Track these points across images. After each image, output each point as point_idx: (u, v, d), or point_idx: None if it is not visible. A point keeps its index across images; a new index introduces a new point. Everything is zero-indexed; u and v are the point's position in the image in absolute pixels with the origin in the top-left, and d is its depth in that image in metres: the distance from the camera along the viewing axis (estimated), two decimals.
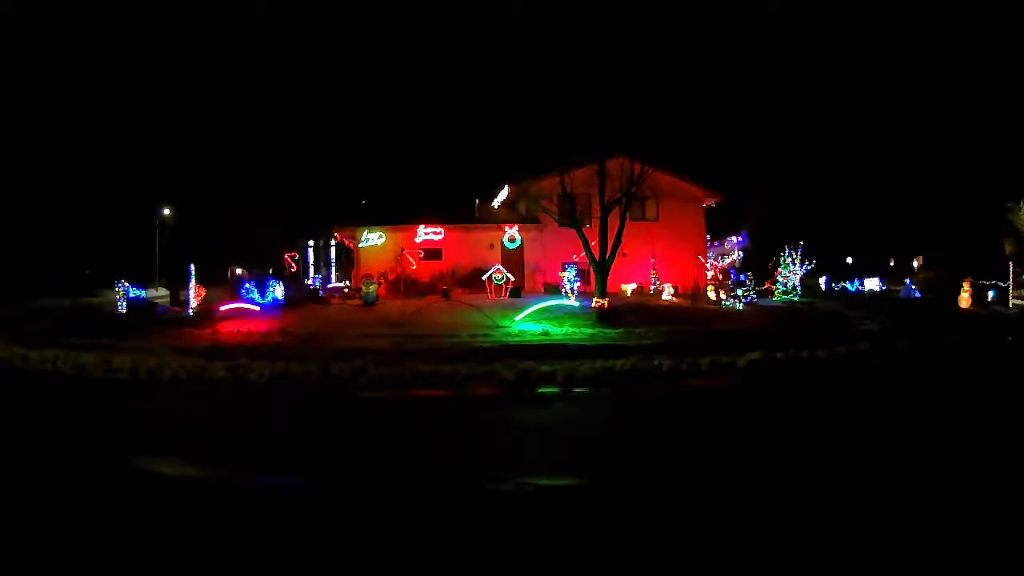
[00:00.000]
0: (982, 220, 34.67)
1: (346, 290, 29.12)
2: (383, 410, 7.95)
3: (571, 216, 20.60)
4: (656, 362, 9.89)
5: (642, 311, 19.97)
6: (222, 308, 21.84)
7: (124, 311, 20.99)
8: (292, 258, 25.77)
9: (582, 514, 4.38)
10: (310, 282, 29.40)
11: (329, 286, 27.44)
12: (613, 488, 4.97)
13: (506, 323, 17.32)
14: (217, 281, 27.67)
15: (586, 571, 3.67)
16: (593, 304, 18.16)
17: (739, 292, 22.75)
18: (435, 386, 8.78)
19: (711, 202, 28.12)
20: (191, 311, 21.02)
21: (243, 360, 9.77)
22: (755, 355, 10.46)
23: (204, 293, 22.44)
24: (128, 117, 53.98)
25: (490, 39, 28.28)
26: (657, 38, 20.98)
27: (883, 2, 49.00)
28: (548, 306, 19.23)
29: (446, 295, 22.72)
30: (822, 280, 36.48)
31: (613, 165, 20.35)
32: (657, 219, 27.37)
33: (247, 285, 24.76)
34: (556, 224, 22.93)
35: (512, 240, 26.81)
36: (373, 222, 26.77)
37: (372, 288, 22.60)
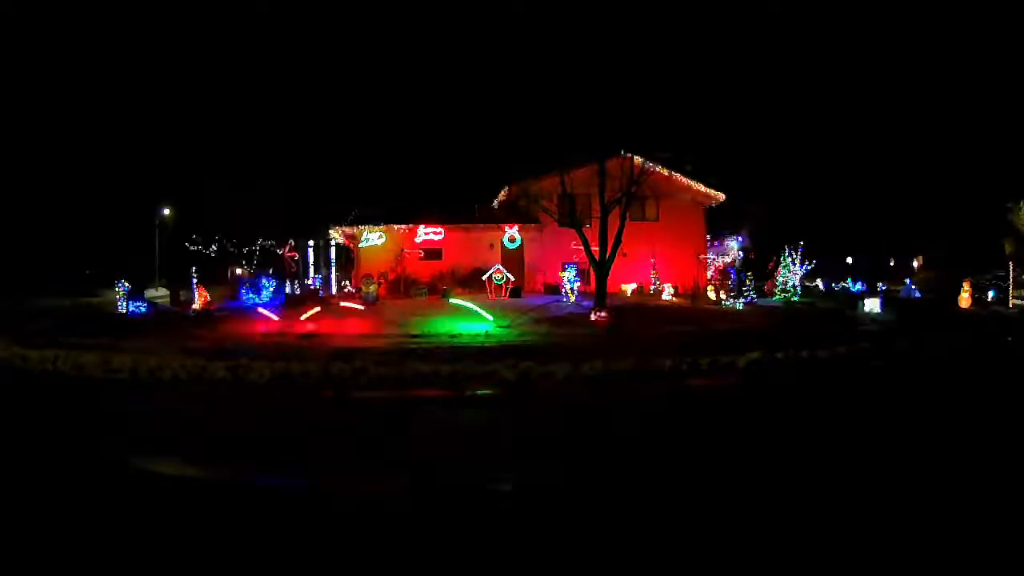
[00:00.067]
0: (982, 220, 34.64)
1: (346, 290, 29.12)
2: (382, 410, 7.95)
3: (571, 216, 20.60)
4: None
5: (642, 311, 19.97)
6: (222, 308, 21.87)
7: (124, 311, 20.98)
8: (292, 258, 25.72)
9: (580, 513, 4.38)
10: (310, 282, 29.37)
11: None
12: (609, 488, 4.96)
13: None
14: (217, 281, 27.66)
15: (584, 567, 3.67)
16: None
17: (739, 292, 22.75)
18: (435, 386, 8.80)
19: (711, 202, 28.11)
20: (192, 311, 21.03)
21: (243, 360, 9.77)
22: (755, 355, 10.47)
23: (205, 293, 22.47)
24: (128, 117, 53.99)
25: (490, 39, 28.26)
26: (657, 38, 21.00)
27: (883, 2, 48.99)
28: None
29: (446, 295, 22.72)
30: (819, 280, 36.47)
31: (613, 165, 20.36)
32: (657, 219, 27.35)
33: (247, 285, 24.80)
34: (556, 224, 22.93)
35: (512, 240, 26.80)
36: (373, 222, 26.75)
37: (372, 288, 22.60)
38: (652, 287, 25.95)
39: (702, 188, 27.34)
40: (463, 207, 26.82)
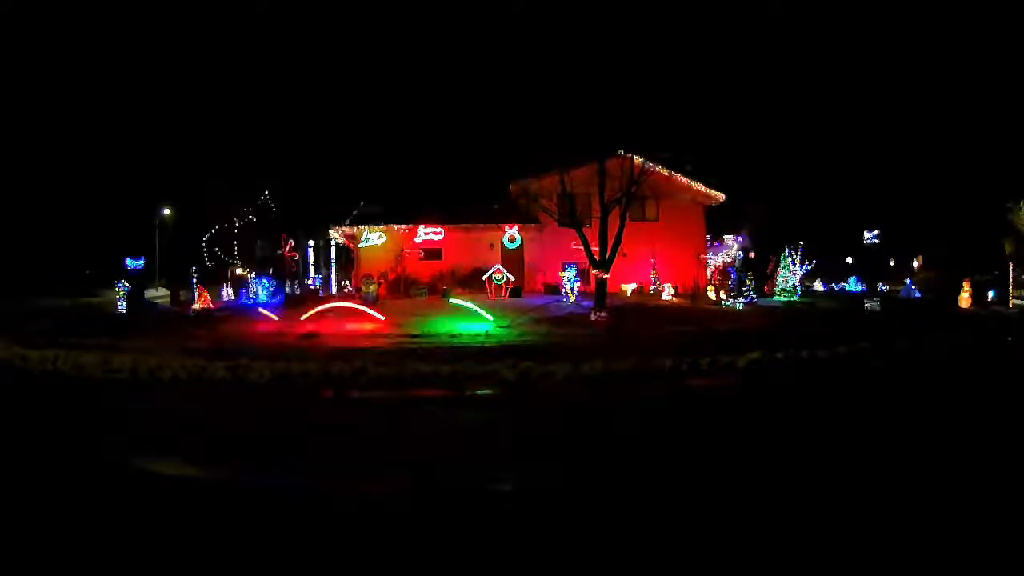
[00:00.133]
0: (982, 220, 34.65)
1: (346, 290, 29.12)
2: (382, 409, 7.95)
3: (571, 216, 20.60)
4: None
5: (642, 311, 19.97)
6: (222, 308, 21.88)
7: (124, 310, 20.99)
8: (292, 258, 25.72)
9: (580, 513, 4.38)
10: (310, 282, 29.38)
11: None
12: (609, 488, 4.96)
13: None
14: (217, 281, 27.65)
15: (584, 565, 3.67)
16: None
17: (739, 292, 22.75)
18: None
19: (711, 202, 28.12)
20: (192, 311, 21.03)
21: (243, 360, 9.77)
22: (755, 355, 10.47)
23: (205, 293, 22.48)
24: (128, 117, 53.97)
25: (491, 39, 28.26)
26: (657, 38, 20.99)
27: (883, 2, 48.99)
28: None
29: (446, 295, 22.72)
30: (819, 280, 36.51)
31: (613, 165, 20.36)
32: (657, 219, 27.35)
33: (247, 285, 24.81)
34: (556, 224, 22.93)
35: (512, 240, 26.80)
36: (373, 222, 26.75)
37: (372, 288, 22.61)
38: (652, 287, 25.95)
39: (702, 188, 27.35)
40: (463, 207, 26.80)
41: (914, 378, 10.26)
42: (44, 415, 7.56)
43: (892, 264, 49.85)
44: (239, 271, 27.57)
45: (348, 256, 31.25)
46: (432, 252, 26.70)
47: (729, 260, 27.96)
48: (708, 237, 27.88)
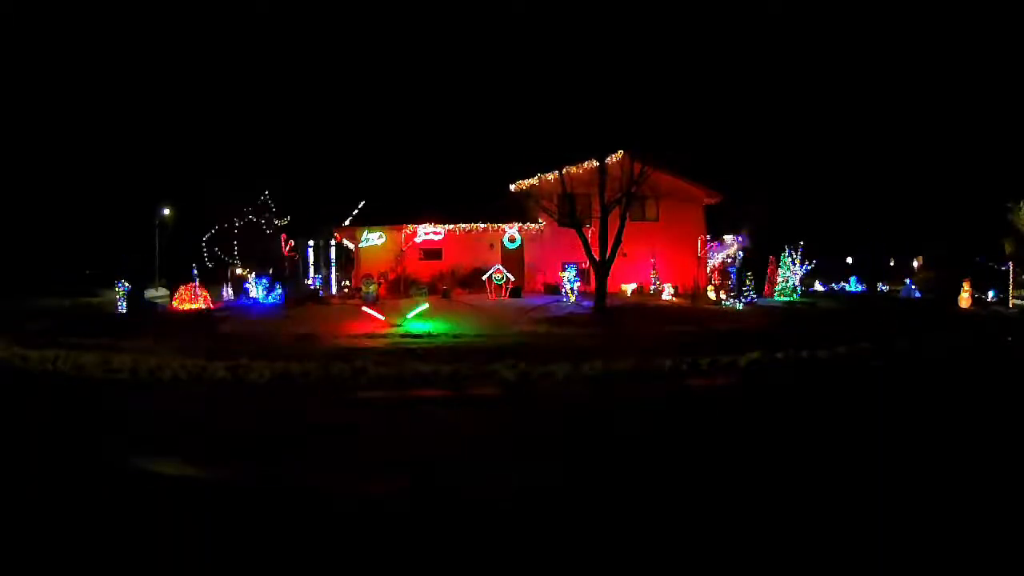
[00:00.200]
0: (982, 220, 34.66)
1: (346, 290, 29.11)
2: (382, 409, 7.95)
3: (571, 216, 20.61)
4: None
5: (642, 311, 19.97)
6: (222, 308, 21.88)
7: (124, 311, 20.99)
8: (292, 258, 25.72)
9: (580, 513, 4.39)
10: (310, 282, 29.38)
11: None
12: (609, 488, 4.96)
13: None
14: (217, 281, 27.65)
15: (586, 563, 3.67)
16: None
17: (739, 292, 22.76)
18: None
19: (711, 202, 28.12)
20: (191, 311, 21.04)
21: (243, 360, 9.77)
22: (755, 355, 10.47)
23: (205, 293, 22.48)
24: (128, 116, 54.01)
25: (491, 39, 28.24)
26: (658, 38, 20.99)
27: (883, 2, 48.98)
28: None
29: (446, 295, 22.73)
30: (819, 281, 36.51)
31: (613, 165, 20.38)
32: (657, 219, 27.36)
33: (247, 285, 24.80)
34: (556, 224, 22.94)
35: (512, 240, 26.80)
36: (373, 222, 26.74)
37: (372, 288, 22.60)
38: (652, 287, 25.96)
39: (702, 188, 27.36)
40: (463, 207, 26.80)
41: (914, 378, 10.25)
42: (44, 415, 7.56)
43: (892, 264, 49.88)
44: (239, 271, 27.57)
45: (348, 256, 31.25)
46: (432, 252, 26.69)
47: (729, 260, 27.94)
48: (708, 237, 27.88)
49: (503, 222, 26.77)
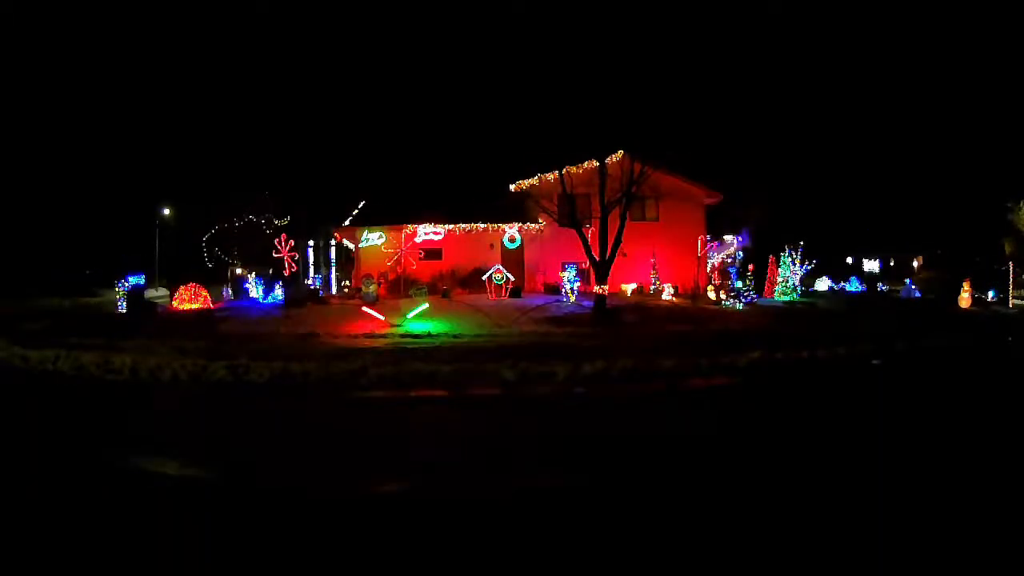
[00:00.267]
0: (982, 220, 34.69)
1: (346, 290, 29.12)
2: (382, 409, 7.95)
3: (571, 216, 20.60)
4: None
5: (642, 311, 19.97)
6: (222, 308, 21.87)
7: (124, 311, 20.98)
8: (292, 258, 25.74)
9: (579, 514, 4.39)
10: (310, 282, 29.39)
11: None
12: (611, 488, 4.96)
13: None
14: (217, 281, 27.66)
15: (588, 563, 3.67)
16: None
17: (739, 292, 22.76)
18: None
19: (711, 202, 28.11)
20: (191, 311, 21.03)
21: (243, 360, 9.77)
22: (755, 355, 10.47)
23: (205, 293, 22.48)
24: (128, 117, 54.00)
25: (491, 39, 28.24)
26: (657, 38, 20.99)
27: (883, 2, 48.99)
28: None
29: (446, 295, 22.73)
30: (820, 281, 36.50)
31: (613, 165, 20.37)
32: (657, 219, 27.37)
33: (247, 285, 24.81)
34: (556, 224, 22.93)
35: (512, 240, 26.81)
36: (373, 222, 26.74)
37: (372, 288, 22.60)
38: (652, 287, 25.96)
39: (702, 188, 27.36)
40: (463, 207, 26.81)
41: (914, 378, 10.26)
42: (44, 415, 7.57)
43: (892, 264, 49.92)
44: (239, 271, 27.58)
45: (348, 256, 31.27)
46: (432, 252, 26.70)
47: (729, 260, 27.95)
48: (708, 237, 27.89)
49: (503, 222, 26.78)
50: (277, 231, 27.39)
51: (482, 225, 26.67)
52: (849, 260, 47.95)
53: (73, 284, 31.70)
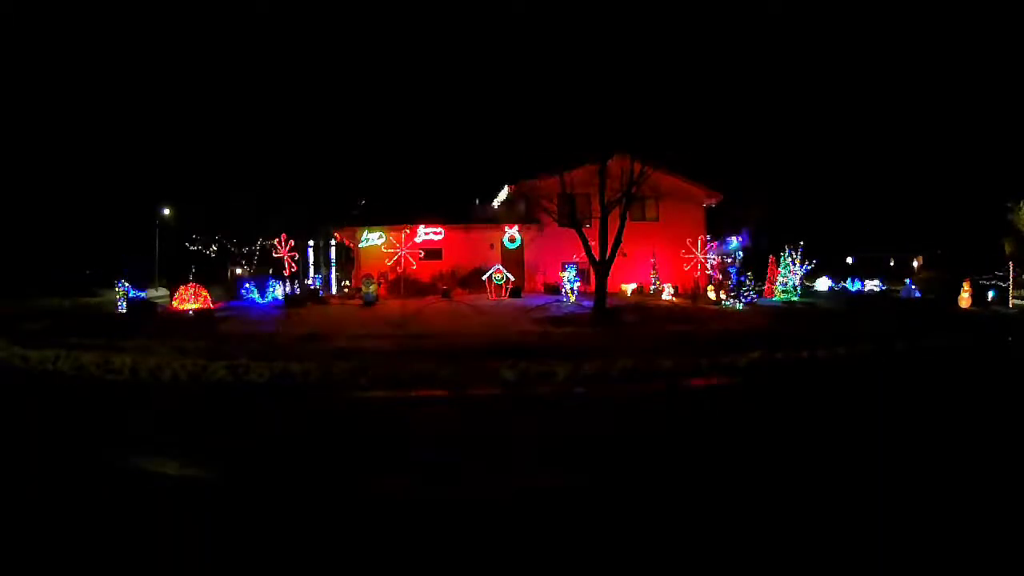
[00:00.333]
0: (982, 220, 34.70)
1: (346, 290, 29.12)
2: (382, 409, 7.95)
3: (571, 216, 20.60)
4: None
5: (642, 311, 19.97)
6: (222, 308, 21.88)
7: (124, 311, 20.99)
8: (292, 258, 25.76)
9: (579, 514, 4.39)
10: (310, 282, 29.40)
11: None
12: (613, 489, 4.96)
13: None
14: (217, 281, 27.67)
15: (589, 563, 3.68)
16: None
17: (739, 292, 22.76)
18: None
19: (711, 202, 28.12)
20: (192, 311, 21.04)
21: (243, 360, 9.77)
22: (755, 355, 10.46)
23: (204, 293, 22.49)
24: (128, 117, 53.98)
25: (491, 38, 28.25)
26: (657, 38, 20.97)
27: (883, 2, 48.99)
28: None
29: (446, 295, 22.74)
30: (820, 280, 36.51)
31: (613, 165, 20.36)
32: (657, 219, 27.39)
33: (247, 285, 24.81)
34: (556, 224, 22.94)
35: (512, 240, 26.82)
36: (373, 222, 26.77)
37: (372, 288, 22.61)
38: (652, 287, 25.98)
39: (702, 188, 27.37)
40: (463, 207, 26.86)
41: (914, 378, 10.26)
42: (44, 415, 7.57)
43: (892, 264, 49.93)
44: (239, 271, 27.58)
45: (348, 256, 31.28)
46: (432, 252, 26.72)
47: (729, 260, 27.96)
48: (708, 237, 27.91)
49: (503, 222, 26.80)
50: (277, 231, 27.37)
51: (482, 225, 26.69)
52: (849, 260, 47.96)
53: (73, 284, 31.70)
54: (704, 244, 27.28)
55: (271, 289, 24.19)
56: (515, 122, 22.47)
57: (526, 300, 22.49)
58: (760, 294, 25.20)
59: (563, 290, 22.83)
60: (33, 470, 5.31)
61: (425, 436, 6.59)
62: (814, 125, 49.20)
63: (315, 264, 31.79)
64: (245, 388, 8.92)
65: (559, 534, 4.05)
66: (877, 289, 36.02)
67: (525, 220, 26.36)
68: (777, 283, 26.89)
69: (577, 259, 22.92)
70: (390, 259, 26.01)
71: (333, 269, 30.65)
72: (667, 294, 24.57)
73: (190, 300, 22.01)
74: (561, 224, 22.11)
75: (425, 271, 26.10)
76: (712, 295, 24.56)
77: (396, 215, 26.61)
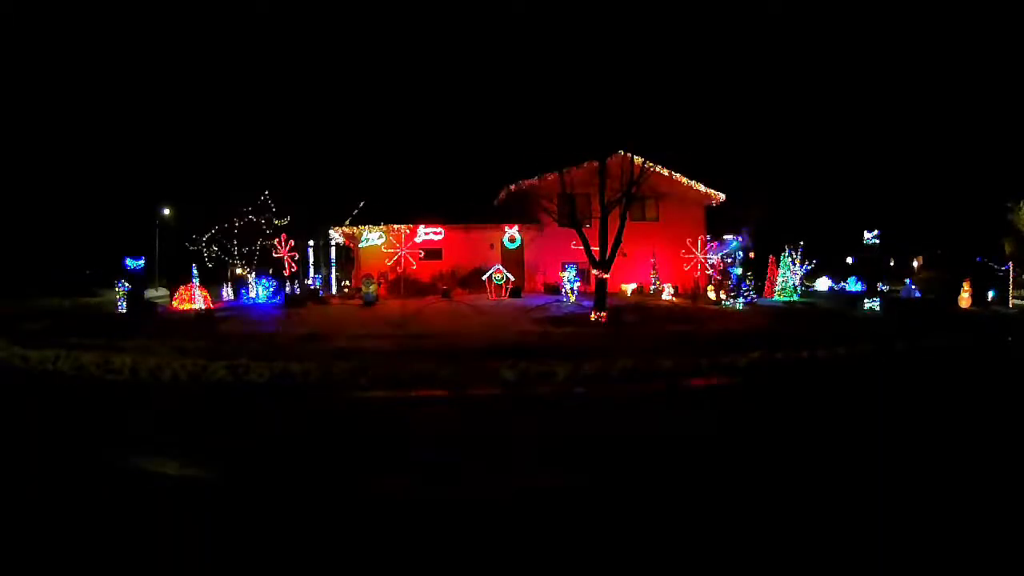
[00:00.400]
0: (982, 220, 34.70)
1: (346, 290, 29.11)
2: (381, 409, 7.95)
3: (571, 216, 20.60)
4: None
5: (642, 311, 19.96)
6: (223, 308, 21.88)
7: (124, 311, 20.98)
8: (292, 258, 25.75)
9: (579, 514, 4.39)
10: (310, 282, 29.39)
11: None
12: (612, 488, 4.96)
13: None
14: (217, 281, 27.64)
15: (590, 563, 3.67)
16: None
17: (739, 292, 22.75)
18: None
19: (711, 202, 28.12)
20: (191, 311, 21.03)
21: (243, 360, 9.77)
22: (755, 355, 10.46)
23: (205, 293, 22.48)
24: (128, 117, 54.02)
25: (491, 38, 28.28)
26: (657, 38, 20.97)
27: (883, 2, 48.99)
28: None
29: (446, 295, 22.73)
30: (820, 280, 36.52)
31: (613, 165, 20.36)
32: (657, 219, 27.39)
33: (247, 285, 24.80)
34: (556, 224, 22.94)
35: (512, 240, 26.81)
36: (373, 222, 26.75)
37: (372, 288, 22.60)
38: (652, 287, 25.97)
39: (702, 188, 27.38)
40: (463, 207, 26.83)
41: (914, 378, 10.26)
42: (44, 415, 7.57)
43: (892, 264, 49.92)
44: (239, 271, 27.57)
45: (348, 256, 31.27)
46: (432, 252, 26.70)
47: (729, 260, 27.97)
48: (708, 237, 27.92)
49: (503, 222, 26.78)
50: (277, 231, 27.35)
51: (482, 225, 26.67)
52: (849, 260, 47.92)
53: (73, 284, 31.69)
54: (704, 244, 27.27)
55: (271, 289, 24.18)
56: (515, 122, 22.50)
57: (526, 300, 22.48)
58: (760, 294, 25.19)
59: (563, 290, 22.83)
60: (33, 470, 5.31)
61: (425, 436, 6.59)
62: (814, 125, 49.24)
63: (315, 264, 31.79)
64: (245, 388, 8.92)
65: (559, 534, 4.05)
66: (877, 289, 36.04)
67: (525, 220, 26.35)
68: (777, 283, 26.89)
69: (577, 259, 22.92)
70: (390, 259, 26.00)
71: (333, 269, 30.65)
72: (667, 294, 24.56)
73: (190, 300, 22.01)
74: (561, 224, 22.11)
75: (425, 271, 26.09)
76: (712, 295, 24.56)
77: (396, 215, 26.59)
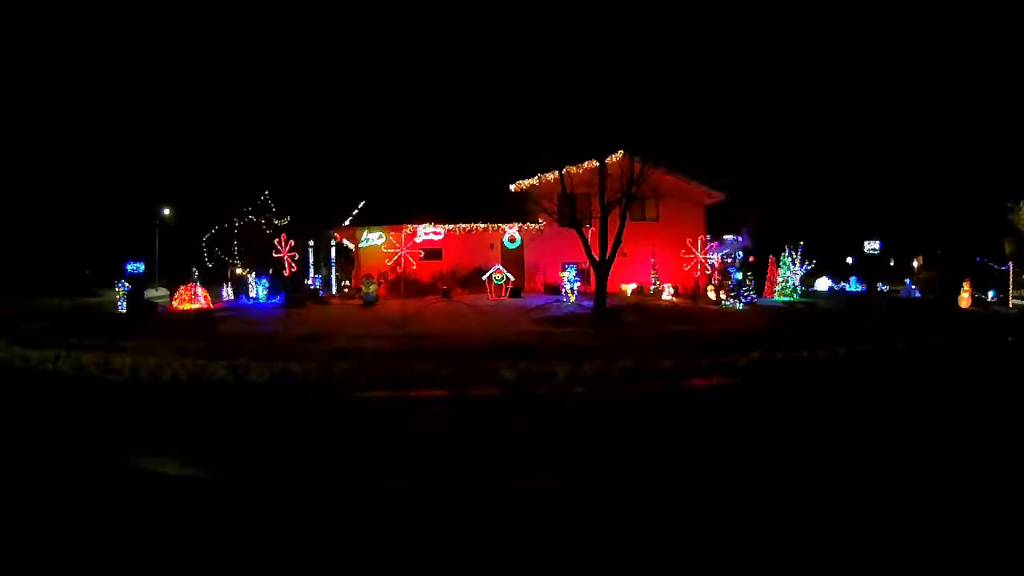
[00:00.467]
0: (982, 220, 34.70)
1: (346, 290, 29.10)
2: (381, 410, 7.95)
3: (571, 216, 20.60)
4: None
5: (642, 311, 19.97)
6: (223, 308, 21.88)
7: (124, 311, 20.98)
8: (292, 258, 25.75)
9: (579, 515, 4.39)
10: (310, 282, 29.38)
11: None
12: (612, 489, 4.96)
13: None
14: (217, 281, 27.65)
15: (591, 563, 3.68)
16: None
17: (739, 292, 22.75)
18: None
19: (711, 202, 28.12)
20: (191, 311, 21.03)
21: (243, 360, 9.77)
22: (755, 355, 10.46)
23: (205, 293, 22.48)
24: (128, 117, 54.02)
25: (491, 38, 28.23)
26: (658, 38, 20.97)
27: (883, 2, 48.97)
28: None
29: (446, 295, 22.73)
30: (820, 281, 36.51)
31: (613, 165, 20.37)
32: (657, 219, 27.39)
33: (247, 285, 24.81)
34: (556, 224, 22.94)
35: (512, 240, 26.81)
36: (373, 222, 26.75)
37: (372, 288, 22.60)
38: (652, 287, 25.97)
39: (702, 188, 27.36)
40: (463, 207, 26.81)
41: (914, 378, 10.26)
42: (44, 415, 7.57)
43: (892, 264, 49.91)
44: (239, 271, 27.57)
45: (348, 256, 31.26)
46: (432, 252, 26.70)
47: (729, 260, 27.97)
48: (708, 237, 27.92)
49: (503, 222, 26.77)
50: (277, 231, 27.36)
51: (482, 225, 26.67)
52: (849, 260, 47.92)
53: (73, 284, 31.69)
54: (704, 244, 27.27)
55: (271, 289, 24.18)
56: (515, 122, 22.48)
57: (526, 300, 22.48)
58: (760, 294, 25.19)
59: (563, 290, 22.83)
60: (33, 470, 5.31)
61: (425, 436, 6.58)
62: (814, 125, 49.23)
63: (315, 264, 31.78)
64: (245, 388, 8.92)
65: (559, 534, 4.05)
66: (877, 289, 36.04)
67: (525, 220, 26.35)
68: (777, 283, 26.88)
69: (577, 259, 22.92)
70: (390, 259, 26.00)
71: (333, 269, 30.65)
72: (667, 294, 24.56)
73: (190, 300, 22.01)
74: (561, 224, 22.10)
75: (425, 271, 26.09)
76: (712, 295, 24.55)
77: (396, 215, 26.58)
